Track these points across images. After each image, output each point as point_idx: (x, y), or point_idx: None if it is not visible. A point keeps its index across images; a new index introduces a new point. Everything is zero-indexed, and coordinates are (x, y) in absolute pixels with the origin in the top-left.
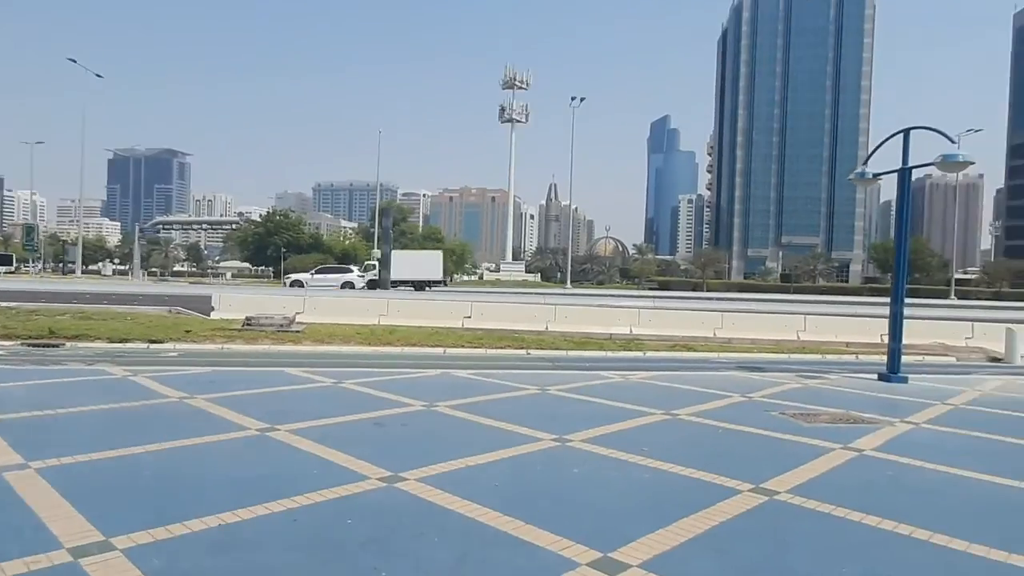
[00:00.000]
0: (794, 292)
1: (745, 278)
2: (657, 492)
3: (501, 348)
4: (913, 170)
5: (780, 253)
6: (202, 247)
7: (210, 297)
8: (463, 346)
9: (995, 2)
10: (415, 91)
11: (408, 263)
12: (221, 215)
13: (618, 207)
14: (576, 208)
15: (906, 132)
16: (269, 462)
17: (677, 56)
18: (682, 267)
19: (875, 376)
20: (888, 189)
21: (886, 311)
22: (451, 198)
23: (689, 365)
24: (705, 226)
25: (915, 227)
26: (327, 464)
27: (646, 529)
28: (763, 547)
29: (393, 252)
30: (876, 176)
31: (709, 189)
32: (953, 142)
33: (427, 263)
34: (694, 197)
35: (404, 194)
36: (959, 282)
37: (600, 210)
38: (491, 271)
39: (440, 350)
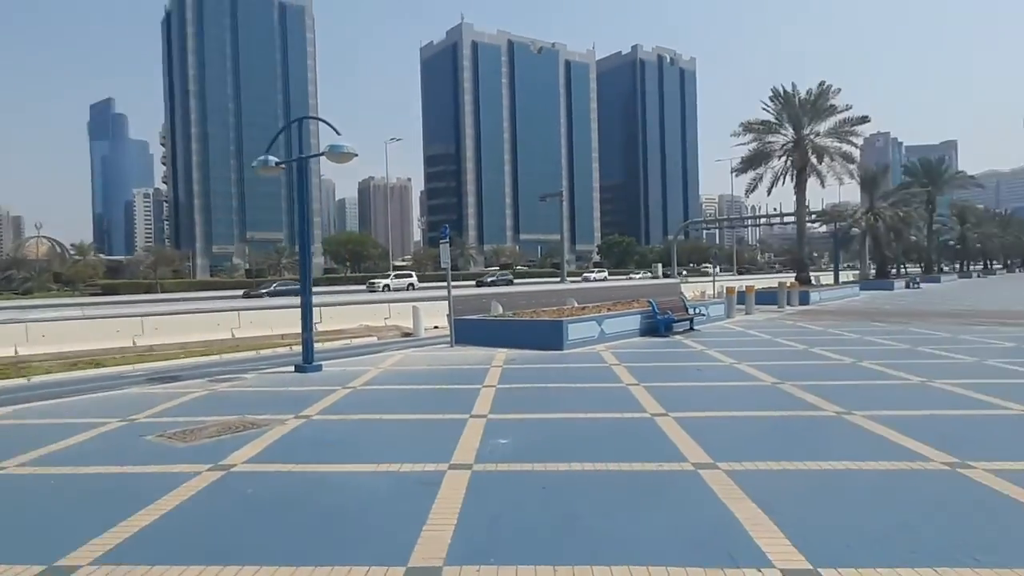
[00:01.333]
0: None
1: (211, 275)
2: None
3: None
4: (306, 160)
5: (246, 249)
6: None
7: None
8: None
9: (408, 42)
10: None
11: None
12: None
13: (58, 202)
14: None
15: (299, 122)
16: None
17: (118, 32)
18: (141, 268)
19: (293, 368)
20: (342, 188)
21: (334, 299)
22: None
23: (84, 387)
24: (165, 222)
25: (365, 224)
26: None
27: None
28: None
29: None
30: (278, 164)
31: (166, 183)
32: (339, 134)
33: None
34: (151, 191)
35: None
36: (398, 267)
37: (33, 206)
38: None
39: None
